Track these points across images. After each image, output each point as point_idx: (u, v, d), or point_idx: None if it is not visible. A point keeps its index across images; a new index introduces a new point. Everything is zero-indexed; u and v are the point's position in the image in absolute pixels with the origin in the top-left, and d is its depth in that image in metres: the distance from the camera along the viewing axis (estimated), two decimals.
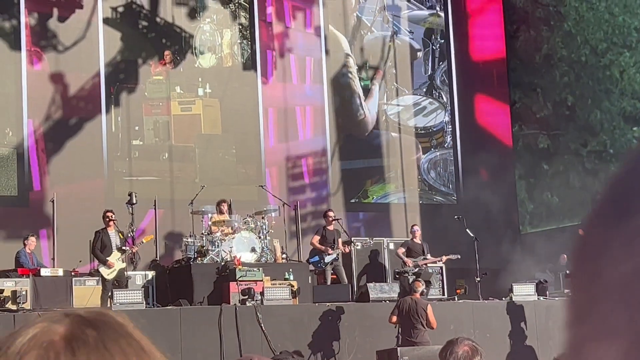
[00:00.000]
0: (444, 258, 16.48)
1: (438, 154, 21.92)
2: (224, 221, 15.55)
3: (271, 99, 20.29)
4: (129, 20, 19.25)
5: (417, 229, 16.77)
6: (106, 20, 19.02)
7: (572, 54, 21.14)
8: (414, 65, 22.10)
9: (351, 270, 16.68)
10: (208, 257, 14.99)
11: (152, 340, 1.01)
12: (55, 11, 18.63)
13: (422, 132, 21.86)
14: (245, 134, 19.93)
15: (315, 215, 19.35)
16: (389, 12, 21.94)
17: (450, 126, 22.15)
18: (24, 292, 13.01)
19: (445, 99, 22.25)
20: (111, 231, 14.44)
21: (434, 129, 22.01)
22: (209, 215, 15.80)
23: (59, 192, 16.83)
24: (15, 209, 17.48)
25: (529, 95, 22.16)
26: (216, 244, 15.08)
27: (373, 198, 21.06)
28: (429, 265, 16.35)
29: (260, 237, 15.43)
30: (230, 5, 20.30)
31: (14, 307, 12.82)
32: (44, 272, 14.20)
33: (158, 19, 19.54)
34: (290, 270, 14.80)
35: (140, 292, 13.61)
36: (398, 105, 21.66)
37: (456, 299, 16.15)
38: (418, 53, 22.17)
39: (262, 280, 14.06)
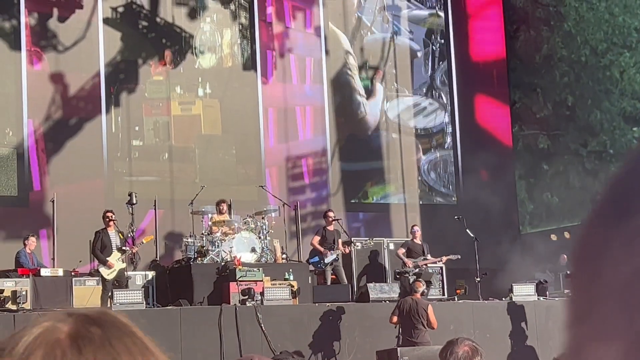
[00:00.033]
0: (444, 258, 16.48)
1: (438, 154, 21.92)
2: (224, 221, 15.55)
3: (271, 99, 20.29)
4: (129, 21, 19.25)
5: (417, 230, 16.77)
6: (106, 21, 19.02)
7: (572, 54, 21.14)
8: (414, 65, 22.10)
9: (351, 271, 16.68)
10: (208, 257, 14.99)
11: (153, 341, 1.01)
12: (55, 11, 18.63)
13: (422, 133, 21.86)
14: (245, 134, 19.93)
15: (315, 216, 19.34)
16: (389, 12, 21.94)
17: (450, 127, 22.14)
18: (24, 292, 13.01)
19: (445, 100, 22.25)
20: (111, 231, 14.44)
21: (434, 130, 22.00)
22: (209, 215, 15.80)
23: (59, 192, 16.83)
24: (15, 209, 17.48)
25: (529, 95, 22.16)
26: (216, 244, 15.08)
27: (373, 198, 21.06)
28: (429, 265, 16.34)
29: (260, 238, 15.43)
30: (231, 5, 20.30)
31: (14, 307, 12.82)
32: (44, 272, 14.20)
33: (158, 19, 19.54)
34: (290, 270, 14.80)
35: (140, 292, 13.61)
36: (398, 106, 21.67)
37: (456, 299, 16.15)
38: (418, 53, 22.17)
39: (262, 281, 14.06)
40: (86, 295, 13.75)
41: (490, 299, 15.91)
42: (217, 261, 14.81)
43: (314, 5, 21.09)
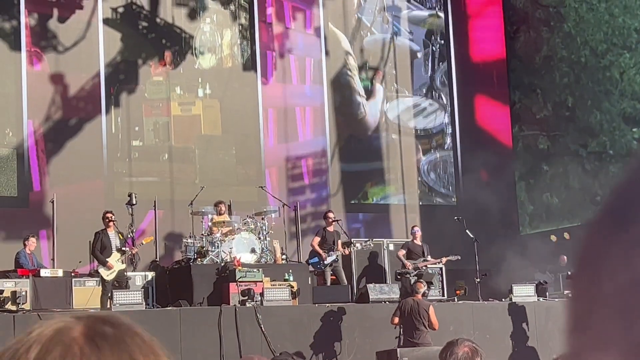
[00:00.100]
0: (444, 259, 16.47)
1: (438, 155, 21.93)
2: (223, 222, 15.55)
3: (271, 99, 20.29)
4: (129, 21, 19.26)
5: (418, 230, 16.75)
6: (106, 21, 19.03)
7: (572, 55, 21.14)
8: (414, 66, 22.10)
9: (351, 271, 16.68)
10: (208, 258, 14.99)
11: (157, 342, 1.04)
12: (55, 12, 18.64)
13: (422, 133, 21.86)
14: (245, 134, 19.93)
15: (315, 216, 19.35)
16: (389, 12, 21.95)
17: (450, 127, 22.15)
18: (23, 293, 13.00)
19: (445, 100, 22.26)
20: (111, 232, 14.43)
21: (434, 131, 22.01)
22: (209, 216, 15.80)
23: (58, 192, 16.83)
24: (15, 210, 17.48)
25: (528, 96, 22.16)
26: (216, 244, 15.08)
27: (373, 199, 21.07)
28: (428, 267, 16.34)
29: (260, 238, 15.43)
30: (230, 5, 20.30)
31: (13, 308, 12.81)
32: (44, 272, 14.19)
33: (158, 20, 19.55)
34: (290, 271, 14.80)
35: (140, 292, 13.60)
36: (398, 106, 21.67)
37: (456, 299, 16.15)
38: (418, 54, 22.17)
39: (261, 281, 14.06)
40: (86, 296, 13.75)
41: (490, 299, 15.90)
42: (217, 262, 14.80)
43: (313, 5, 21.10)
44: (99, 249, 14.29)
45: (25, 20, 18.28)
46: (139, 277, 14.83)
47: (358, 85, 21.30)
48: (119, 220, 14.75)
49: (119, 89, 18.97)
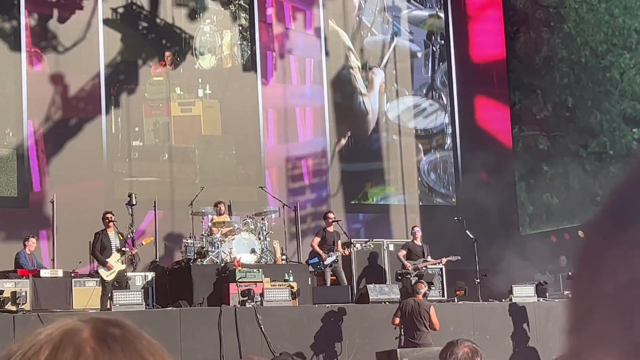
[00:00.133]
0: (444, 260, 16.47)
1: (438, 155, 21.93)
2: (223, 222, 15.55)
3: (271, 100, 20.30)
4: (129, 21, 19.26)
5: (418, 231, 16.75)
6: (106, 21, 19.03)
7: (572, 56, 21.14)
8: (414, 66, 22.10)
9: (351, 272, 16.67)
10: (208, 258, 14.99)
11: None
12: (55, 12, 18.64)
13: (422, 134, 21.87)
14: (245, 135, 19.93)
15: (315, 217, 19.35)
16: (389, 13, 21.95)
17: (450, 128, 22.15)
18: (23, 293, 13.00)
19: (445, 101, 22.26)
20: (111, 232, 14.43)
21: (434, 131, 22.01)
22: (209, 216, 15.80)
23: (58, 193, 16.82)
24: (15, 210, 17.48)
25: (529, 96, 22.17)
26: (216, 245, 15.07)
27: (373, 199, 21.07)
28: (428, 267, 16.33)
29: (260, 239, 15.43)
30: (230, 6, 20.30)
31: (13, 308, 12.81)
32: (44, 273, 14.20)
33: (158, 20, 19.55)
34: (290, 271, 14.79)
35: (140, 293, 13.60)
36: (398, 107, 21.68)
37: (456, 300, 16.15)
38: (418, 54, 22.17)
39: (261, 282, 14.06)
40: (86, 296, 13.75)
41: (490, 300, 15.90)
42: (217, 262, 14.80)
43: (314, 6, 21.10)
44: (99, 250, 14.28)
45: (25, 20, 18.28)
46: (139, 278, 14.82)
47: (360, 82, 21.30)
48: (119, 220, 14.74)
49: (119, 89, 18.97)
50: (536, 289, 15.98)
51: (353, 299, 15.28)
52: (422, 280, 14.23)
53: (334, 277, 16.00)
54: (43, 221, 17.14)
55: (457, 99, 22.23)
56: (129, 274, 14.55)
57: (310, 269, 15.71)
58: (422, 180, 21.60)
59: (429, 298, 14.72)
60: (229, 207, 16.45)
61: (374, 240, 17.19)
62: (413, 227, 17.23)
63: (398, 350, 12.98)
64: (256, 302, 13.62)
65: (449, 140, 22.10)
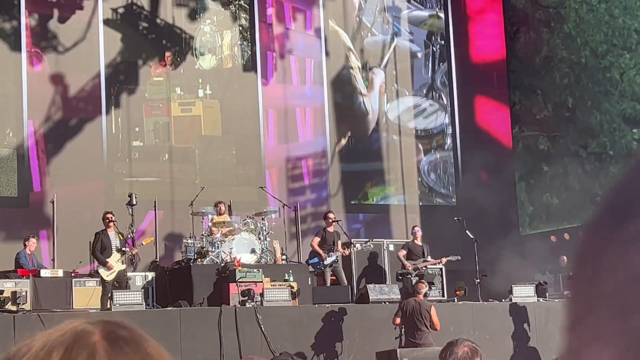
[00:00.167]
0: (444, 260, 16.47)
1: (438, 155, 21.93)
2: (224, 222, 15.55)
3: (271, 100, 20.30)
4: (129, 22, 19.26)
5: (418, 230, 16.75)
6: (106, 22, 19.03)
7: (572, 56, 21.15)
8: (414, 66, 22.11)
9: (351, 272, 16.68)
10: (208, 258, 14.99)
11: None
12: (56, 12, 18.64)
13: (422, 134, 21.87)
14: (245, 135, 19.94)
15: (315, 217, 19.35)
16: (389, 13, 21.95)
17: (450, 128, 22.15)
18: (23, 293, 13.01)
19: (445, 101, 22.26)
20: (111, 232, 14.43)
21: (434, 131, 22.01)
22: (209, 216, 15.80)
23: (59, 193, 16.83)
24: (15, 210, 17.49)
25: (529, 96, 22.17)
26: (216, 245, 15.08)
27: (373, 199, 21.07)
28: (428, 267, 16.34)
29: (260, 239, 15.43)
30: (231, 6, 20.31)
31: (13, 308, 12.82)
32: (44, 273, 14.20)
33: (158, 20, 19.56)
34: (290, 271, 14.80)
35: (140, 293, 13.60)
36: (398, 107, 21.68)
37: (456, 300, 16.15)
38: (418, 54, 22.18)
39: (261, 282, 14.06)
40: (86, 296, 13.75)
41: (490, 300, 15.91)
42: (217, 262, 14.81)
43: (314, 6, 21.10)
44: (99, 250, 14.29)
45: (25, 20, 18.29)
46: (139, 278, 14.83)
47: (360, 82, 21.30)
48: (119, 220, 14.74)
49: (119, 90, 18.98)
50: (536, 289, 15.99)
51: (353, 299, 15.28)
52: (422, 280, 14.24)
53: (334, 277, 16.00)
54: (43, 221, 17.14)
55: (457, 99, 22.24)
56: (129, 274, 14.56)
57: (310, 269, 15.72)
58: (422, 181, 21.60)
59: (429, 298, 14.73)
60: (229, 207, 16.45)
61: (374, 240, 17.19)
62: (413, 227, 17.23)
63: (398, 350, 12.98)
64: (256, 302, 13.62)
65: (449, 141, 22.11)
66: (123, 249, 14.31)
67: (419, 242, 16.53)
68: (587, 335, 0.59)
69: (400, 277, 16.04)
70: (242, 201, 18.00)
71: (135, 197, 15.72)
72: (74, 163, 18.02)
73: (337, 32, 21.30)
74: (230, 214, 16.17)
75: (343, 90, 21.14)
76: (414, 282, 14.92)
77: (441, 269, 16.64)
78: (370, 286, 15.21)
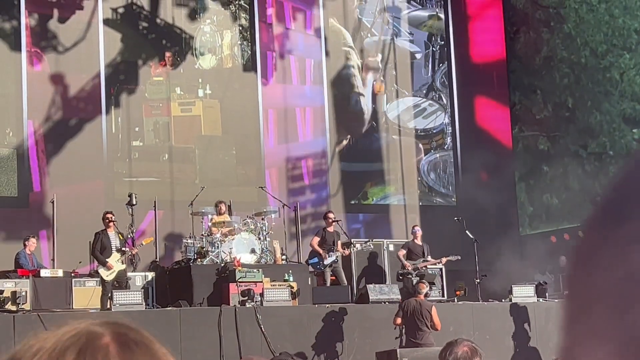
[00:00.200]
0: (444, 260, 16.47)
1: (438, 155, 21.93)
2: (223, 222, 15.55)
3: (271, 100, 20.30)
4: (129, 22, 19.26)
5: (418, 230, 16.75)
6: (106, 22, 19.03)
7: (572, 56, 21.15)
8: (414, 67, 22.11)
9: (351, 272, 16.68)
10: (208, 258, 14.99)
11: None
12: (56, 12, 18.64)
13: (422, 134, 21.87)
14: (245, 135, 19.94)
15: (315, 217, 19.35)
16: (389, 13, 21.95)
17: (450, 128, 22.16)
18: (23, 293, 13.01)
19: (445, 101, 22.26)
20: (111, 232, 14.43)
21: (434, 131, 22.02)
22: (209, 216, 15.80)
23: (59, 193, 16.83)
24: (15, 210, 17.49)
25: (529, 97, 22.17)
26: (216, 245, 15.08)
27: (373, 199, 21.07)
28: (428, 267, 16.33)
29: (260, 239, 15.43)
30: (231, 6, 20.31)
31: (13, 308, 12.82)
32: (44, 273, 14.21)
33: (158, 20, 19.56)
34: (290, 271, 14.80)
35: (140, 293, 13.61)
36: (398, 107, 21.69)
37: (456, 300, 16.15)
38: (417, 55, 22.18)
39: (261, 282, 14.06)
40: (86, 296, 13.75)
41: (489, 300, 15.91)
42: (217, 262, 14.81)
43: (314, 6, 21.10)
44: (99, 250, 14.29)
45: (25, 20, 18.29)
46: (139, 278, 14.83)
47: (359, 83, 21.30)
48: (119, 220, 14.75)
49: (119, 90, 18.98)
50: (536, 289, 15.99)
51: (353, 299, 15.29)
52: (423, 281, 14.25)
53: (334, 277, 16.00)
54: (43, 221, 17.14)
55: (457, 99, 22.24)
56: (129, 274, 14.56)
57: (310, 269, 15.72)
58: (422, 180, 21.60)
59: (429, 298, 14.73)
60: (229, 207, 16.45)
61: (373, 240, 17.20)
62: (413, 227, 17.23)
63: (398, 350, 12.99)
64: (256, 302, 13.62)
65: (449, 141, 22.11)
66: (123, 249, 14.32)
67: (419, 241, 16.52)
68: (583, 333, 0.59)
69: (400, 277, 16.04)
70: (242, 201, 18.00)
71: (135, 197, 15.72)
72: (74, 163, 18.02)
73: (337, 32, 21.29)
74: (230, 214, 16.17)
75: (343, 90, 21.13)
76: (414, 282, 14.92)
77: (441, 269, 16.64)
78: (370, 286, 15.21)
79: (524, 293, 15.74)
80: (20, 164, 17.78)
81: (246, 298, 13.63)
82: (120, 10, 19.19)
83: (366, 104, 21.31)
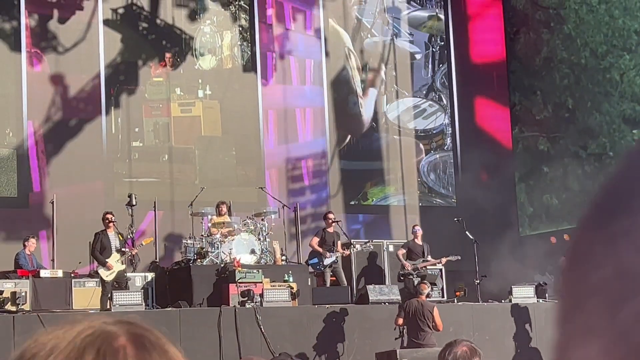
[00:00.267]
0: (444, 260, 16.47)
1: (438, 156, 21.93)
2: (223, 223, 15.55)
3: (271, 100, 20.30)
4: (129, 22, 19.27)
5: (419, 229, 16.74)
6: (106, 22, 19.04)
7: (572, 57, 21.15)
8: (414, 67, 22.11)
9: (350, 273, 16.69)
10: (207, 259, 15.00)
11: None
12: (56, 12, 18.65)
13: (422, 134, 21.87)
14: (245, 135, 19.94)
15: (314, 217, 19.35)
16: (389, 14, 21.96)
17: (450, 128, 22.16)
18: (23, 294, 13.02)
19: (445, 102, 22.27)
20: (111, 233, 14.44)
21: (434, 132, 22.02)
22: (209, 217, 15.81)
23: (58, 193, 16.84)
24: (15, 211, 17.49)
25: (528, 97, 22.17)
26: (216, 245, 15.08)
27: (372, 200, 21.07)
28: (428, 267, 16.33)
29: (259, 239, 15.44)
30: (231, 7, 20.31)
31: (13, 309, 12.82)
32: (44, 273, 14.21)
33: (158, 21, 19.56)
34: (290, 272, 14.81)
35: (140, 293, 13.61)
36: (398, 107, 21.69)
37: (455, 301, 16.15)
38: (417, 56, 22.18)
39: (261, 282, 14.07)
40: (86, 296, 13.76)
41: (489, 301, 15.91)
42: (217, 263, 14.81)
43: (314, 7, 21.11)
44: (99, 250, 14.30)
45: (25, 21, 18.29)
46: (139, 278, 14.84)
47: (358, 84, 21.31)
48: (119, 221, 14.76)
49: (119, 90, 18.99)
50: (536, 290, 15.99)
51: (353, 300, 15.29)
52: (425, 281, 14.26)
53: (334, 278, 16.01)
54: (43, 221, 17.14)
55: (457, 100, 22.24)
56: (128, 274, 14.56)
57: (310, 269, 15.72)
58: (421, 181, 21.60)
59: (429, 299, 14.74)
60: (229, 207, 16.46)
61: (373, 241, 17.20)
62: (414, 226, 17.23)
63: (398, 350, 13.00)
64: (256, 302, 13.63)
65: (448, 141, 22.11)
66: (123, 249, 14.33)
67: (419, 241, 16.52)
68: (576, 330, 0.60)
69: (402, 278, 16.04)
70: (241, 202, 18.01)
71: (135, 198, 15.72)
72: (73, 163, 18.03)
73: (337, 33, 21.30)
74: (230, 215, 16.18)
75: (343, 90, 21.13)
76: (415, 283, 14.92)
77: (441, 270, 16.64)
78: (369, 287, 15.22)
79: (523, 294, 15.74)
80: (20, 164, 17.78)
81: (246, 299, 13.64)
82: (120, 11, 19.19)
83: (366, 104, 21.30)
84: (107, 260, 14.16)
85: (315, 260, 15.89)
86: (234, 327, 13.22)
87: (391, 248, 17.26)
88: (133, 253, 14.81)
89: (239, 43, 20.32)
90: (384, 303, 14.74)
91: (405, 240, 17.35)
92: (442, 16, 22.58)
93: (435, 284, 15.90)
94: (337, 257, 15.95)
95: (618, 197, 0.61)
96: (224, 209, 15.91)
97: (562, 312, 0.62)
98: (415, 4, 22.34)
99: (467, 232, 16.69)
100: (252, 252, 15.18)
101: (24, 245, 14.93)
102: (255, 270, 14.27)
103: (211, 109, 19.86)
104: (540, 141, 21.75)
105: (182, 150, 19.35)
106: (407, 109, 21.79)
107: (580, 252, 0.62)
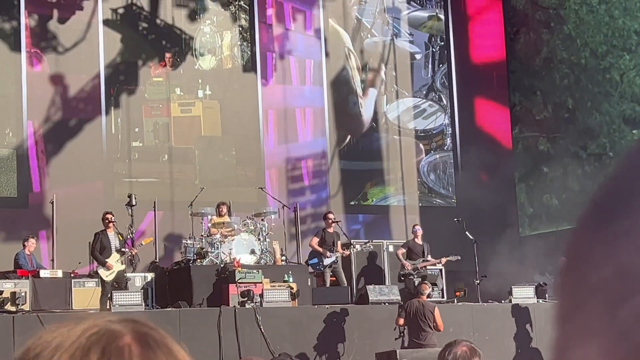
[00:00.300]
0: (444, 260, 16.47)
1: (438, 156, 21.94)
2: (223, 223, 15.56)
3: (271, 101, 20.30)
4: (129, 22, 19.27)
5: (419, 229, 16.74)
6: (106, 22, 19.04)
7: (572, 57, 21.15)
8: (414, 67, 22.11)
9: (350, 273, 16.69)
10: (207, 259, 15.00)
11: None
12: (55, 12, 18.65)
13: (422, 134, 21.88)
14: (245, 136, 19.94)
15: (314, 218, 19.35)
16: (389, 14, 21.96)
17: (450, 129, 22.16)
18: (23, 294, 13.02)
19: (445, 102, 22.27)
20: (110, 233, 14.44)
21: (434, 132, 22.03)
22: (209, 217, 15.81)
23: (58, 193, 16.83)
24: (14, 211, 17.49)
25: (528, 97, 22.17)
26: (215, 245, 15.09)
27: (372, 200, 21.07)
28: (428, 267, 16.33)
29: (259, 239, 15.44)
30: (231, 7, 20.31)
31: (13, 309, 12.82)
32: (43, 273, 14.20)
33: (158, 21, 19.56)
34: (290, 272, 14.81)
35: (140, 293, 13.61)
36: (398, 107, 21.69)
37: (455, 301, 16.15)
38: (416, 56, 22.18)
39: (261, 282, 14.07)
40: (85, 296, 13.76)
41: (489, 301, 15.91)
42: (217, 263, 14.81)
43: (314, 7, 21.11)
44: (99, 250, 14.30)
45: (25, 21, 18.29)
46: (139, 278, 14.84)
47: (357, 85, 21.31)
48: (119, 221, 14.76)
49: (118, 90, 18.98)
50: (536, 290, 15.99)
51: (353, 300, 15.29)
52: (426, 281, 14.27)
53: (334, 278, 16.01)
54: (43, 222, 17.14)
55: (457, 100, 22.24)
56: (128, 274, 14.57)
57: (310, 269, 15.72)
58: (421, 181, 21.60)
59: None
60: (229, 208, 16.46)
61: (373, 241, 17.20)
62: (414, 226, 17.23)
63: (398, 351, 13.00)
64: (256, 302, 13.63)
65: (448, 141, 22.11)
66: (122, 249, 14.33)
67: (419, 241, 16.53)
68: (576, 330, 0.60)
69: (402, 278, 16.04)
70: (241, 202, 18.01)
71: (135, 198, 15.72)
72: (73, 163, 18.03)
73: (337, 33, 21.30)
74: (229, 215, 16.18)
75: (343, 91, 21.14)
76: (416, 283, 14.93)
77: (441, 270, 16.64)
78: (369, 287, 15.22)
79: (523, 294, 15.74)
80: (20, 165, 17.78)
81: (246, 299, 13.64)
82: (120, 11, 19.19)
83: (366, 104, 21.31)
84: (106, 260, 14.16)
85: (315, 260, 15.89)
86: (233, 327, 13.22)
87: (391, 248, 17.26)
88: (133, 253, 14.81)
89: (238, 43, 20.32)
90: (384, 303, 14.74)
91: (405, 241, 17.35)
92: (442, 16, 22.58)
93: (435, 284, 15.90)
94: (337, 257, 15.95)
95: (618, 197, 0.61)
96: (224, 209, 15.91)
97: (562, 312, 0.62)
98: (415, 4, 22.35)
99: (467, 232, 16.69)
100: (252, 252, 15.19)
101: (24, 246, 14.92)
102: (255, 271, 14.27)
103: (211, 109, 19.86)
104: (540, 141, 21.75)
105: (182, 150, 19.35)
106: (407, 109, 21.79)
107: (580, 252, 0.62)
